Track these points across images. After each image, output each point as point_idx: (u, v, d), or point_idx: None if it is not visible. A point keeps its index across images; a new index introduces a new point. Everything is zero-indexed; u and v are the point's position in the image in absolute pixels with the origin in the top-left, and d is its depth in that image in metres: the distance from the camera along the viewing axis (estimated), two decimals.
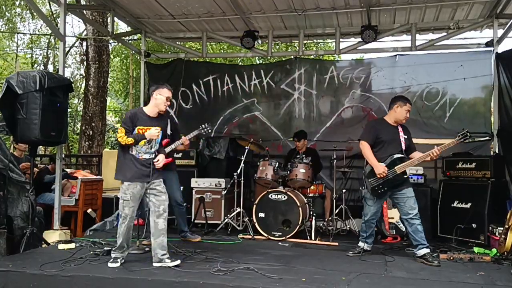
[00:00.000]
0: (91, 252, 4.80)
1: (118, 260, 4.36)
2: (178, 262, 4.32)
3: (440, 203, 6.12)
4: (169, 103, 4.57)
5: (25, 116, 5.11)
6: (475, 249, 5.17)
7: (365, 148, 4.90)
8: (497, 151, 6.88)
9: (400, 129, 4.97)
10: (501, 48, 7.11)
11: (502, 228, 4.87)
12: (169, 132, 5.53)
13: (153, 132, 4.44)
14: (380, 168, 4.76)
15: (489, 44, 7.20)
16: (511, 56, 6.58)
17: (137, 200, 4.47)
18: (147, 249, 5.05)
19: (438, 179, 6.83)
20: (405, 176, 4.90)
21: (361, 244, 5.07)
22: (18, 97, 5.13)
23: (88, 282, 3.95)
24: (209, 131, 5.60)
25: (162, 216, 4.42)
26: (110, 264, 4.30)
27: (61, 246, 5.09)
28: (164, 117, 4.70)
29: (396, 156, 4.82)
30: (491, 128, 7.18)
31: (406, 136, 4.96)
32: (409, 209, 4.78)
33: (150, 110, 4.54)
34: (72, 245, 5.15)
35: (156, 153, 4.55)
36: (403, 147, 4.91)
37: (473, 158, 6.12)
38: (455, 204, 5.92)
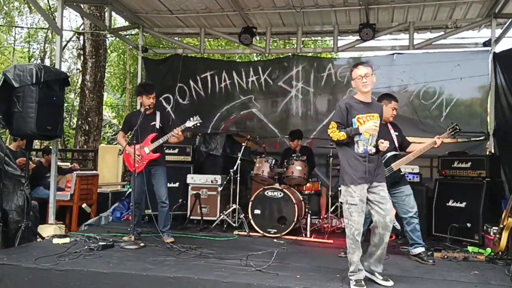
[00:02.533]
0: (86, 247, 4.78)
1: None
2: (391, 283, 3.82)
3: (435, 202, 6.14)
4: (366, 81, 3.87)
5: (21, 109, 5.09)
6: (470, 248, 5.19)
7: None
8: (492, 151, 6.91)
9: (390, 126, 4.95)
10: (499, 48, 7.11)
11: (496, 228, 4.88)
12: (158, 125, 5.50)
13: (371, 125, 3.75)
14: None
15: (486, 44, 7.20)
16: (509, 56, 6.57)
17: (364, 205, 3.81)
18: (142, 244, 5.05)
19: (433, 178, 6.84)
20: (402, 174, 4.88)
21: None
22: (14, 91, 5.11)
23: (83, 277, 3.94)
24: (198, 124, 5.47)
25: (388, 228, 3.79)
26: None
27: (56, 241, 5.08)
28: (378, 105, 4.13)
29: (390, 154, 4.80)
30: (487, 128, 7.19)
31: (397, 133, 4.95)
32: (409, 208, 4.76)
33: (359, 96, 3.94)
34: (67, 240, 5.14)
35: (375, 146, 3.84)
36: (396, 144, 4.89)
37: (469, 158, 6.13)
38: (450, 203, 5.93)
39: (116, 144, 16.79)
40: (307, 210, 6.31)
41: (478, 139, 7.20)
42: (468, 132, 7.31)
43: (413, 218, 4.75)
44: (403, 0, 6.80)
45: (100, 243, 4.85)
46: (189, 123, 5.38)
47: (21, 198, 5.26)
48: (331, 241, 5.79)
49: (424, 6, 6.96)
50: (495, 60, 6.95)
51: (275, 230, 5.96)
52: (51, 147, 6.33)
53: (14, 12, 17.43)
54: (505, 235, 4.69)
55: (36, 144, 12.72)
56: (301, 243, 5.73)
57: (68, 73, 7.73)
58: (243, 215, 6.37)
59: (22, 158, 6.16)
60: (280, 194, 6.04)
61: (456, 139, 7.40)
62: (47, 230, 5.62)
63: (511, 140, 6.17)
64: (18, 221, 5.16)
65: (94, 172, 7.64)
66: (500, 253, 4.75)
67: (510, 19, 6.70)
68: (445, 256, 4.84)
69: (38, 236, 5.32)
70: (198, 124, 5.43)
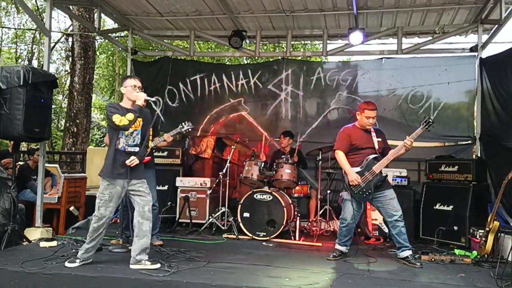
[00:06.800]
0: (73, 250, 4.72)
1: None
2: (158, 265, 4.23)
3: (423, 205, 6.19)
4: (138, 90, 4.44)
5: (8, 111, 5.04)
6: (456, 251, 5.26)
7: (340, 157, 4.91)
8: (479, 155, 6.98)
9: (373, 133, 4.99)
10: (485, 53, 7.19)
11: (482, 231, 4.94)
12: None
13: (141, 95, 4.35)
14: (353, 176, 4.77)
15: (473, 49, 7.28)
16: (494, 61, 6.64)
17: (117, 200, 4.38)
18: (130, 247, 5.01)
19: (421, 181, 6.89)
20: (384, 176, 4.90)
21: (340, 247, 5.00)
22: (1, 92, 5.06)
23: (70, 281, 3.91)
24: (189, 130, 5.52)
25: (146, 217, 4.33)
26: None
27: (43, 244, 5.04)
28: (143, 111, 4.52)
29: (370, 157, 4.84)
30: (474, 132, 7.27)
31: (379, 139, 4.98)
32: (393, 211, 4.78)
33: (125, 103, 4.49)
34: (54, 243, 5.10)
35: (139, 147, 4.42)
36: (377, 150, 4.92)
37: (456, 161, 6.19)
38: (437, 206, 5.98)
39: (104, 146, 16.68)
40: (296, 213, 6.33)
41: (465, 143, 7.28)
42: (455, 136, 7.40)
43: (398, 221, 4.76)
44: (392, 5, 6.86)
45: None
46: (181, 129, 5.41)
47: (7, 201, 5.18)
48: (320, 244, 5.82)
49: (412, 11, 7.04)
50: (482, 65, 7.02)
51: (264, 233, 5.96)
52: (34, 147, 6.27)
53: (1, 12, 17.28)
54: (490, 238, 4.75)
55: (23, 145, 12.59)
56: (290, 246, 5.74)
57: (56, 75, 7.68)
58: (232, 218, 6.37)
59: (9, 159, 6.09)
60: (269, 197, 6.05)
61: (444, 143, 7.48)
62: (34, 233, 5.56)
63: (497, 144, 6.24)
64: (4, 224, 5.08)
65: (82, 174, 7.57)
66: (486, 255, 4.81)
67: (496, 25, 6.78)
68: (432, 259, 4.89)
69: (24, 240, 5.26)
70: (190, 130, 5.49)
